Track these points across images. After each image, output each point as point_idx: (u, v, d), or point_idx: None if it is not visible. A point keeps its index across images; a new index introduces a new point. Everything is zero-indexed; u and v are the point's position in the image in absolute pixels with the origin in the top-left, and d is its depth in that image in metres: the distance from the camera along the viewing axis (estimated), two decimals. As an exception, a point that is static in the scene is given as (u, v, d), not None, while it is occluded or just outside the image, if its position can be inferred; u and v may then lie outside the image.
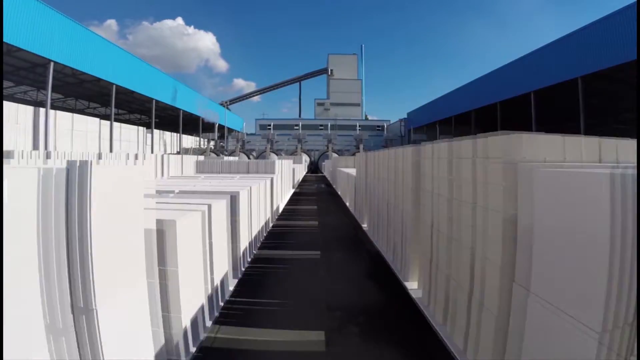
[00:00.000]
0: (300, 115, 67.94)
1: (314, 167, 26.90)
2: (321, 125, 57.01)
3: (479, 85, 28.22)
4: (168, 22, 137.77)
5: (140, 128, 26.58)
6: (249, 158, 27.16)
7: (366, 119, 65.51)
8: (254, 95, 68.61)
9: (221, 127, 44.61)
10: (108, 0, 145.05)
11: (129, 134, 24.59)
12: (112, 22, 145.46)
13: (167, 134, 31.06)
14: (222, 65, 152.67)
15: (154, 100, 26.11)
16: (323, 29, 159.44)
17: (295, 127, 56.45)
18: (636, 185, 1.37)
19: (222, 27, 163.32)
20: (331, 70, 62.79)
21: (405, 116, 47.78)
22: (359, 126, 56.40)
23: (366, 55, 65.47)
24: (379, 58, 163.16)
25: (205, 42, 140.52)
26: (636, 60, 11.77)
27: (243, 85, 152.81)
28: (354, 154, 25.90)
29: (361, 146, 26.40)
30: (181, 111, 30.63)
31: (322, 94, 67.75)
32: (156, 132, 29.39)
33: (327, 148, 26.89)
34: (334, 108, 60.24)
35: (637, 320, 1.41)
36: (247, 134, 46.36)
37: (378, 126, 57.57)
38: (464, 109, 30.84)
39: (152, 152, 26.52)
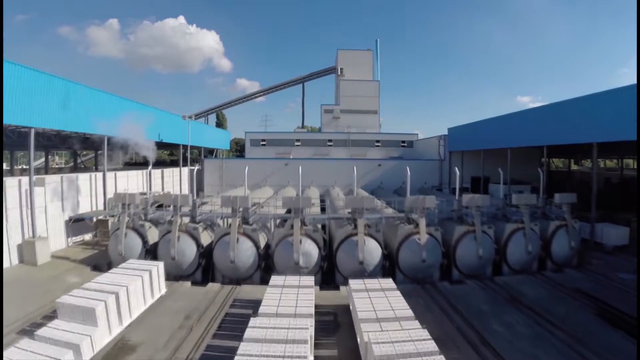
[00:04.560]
0: (302, 124, 55.49)
1: (328, 258, 13.31)
2: (330, 141, 44.79)
3: (615, 103, 15.62)
4: (169, 21, 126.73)
5: (17, 179, 14.49)
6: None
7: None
8: (253, 98, 55.70)
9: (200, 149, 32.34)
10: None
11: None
12: (113, 22, 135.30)
13: (82, 176, 18.55)
14: (225, 64, 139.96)
15: (32, 130, 13.93)
16: (333, 27, 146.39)
17: (297, 144, 44.25)
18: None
19: (226, 25, 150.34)
20: (341, 69, 49.95)
21: (436, 131, 35.00)
22: (379, 142, 44.24)
23: (380, 53, 52.70)
24: (389, 57, 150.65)
25: (208, 41, 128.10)
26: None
27: (247, 85, 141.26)
28: (413, 231, 13.08)
29: (422, 221, 13.80)
30: (105, 137, 18.46)
31: (330, 98, 55.54)
32: (54, 178, 16.87)
33: (354, 225, 13.11)
34: (345, 117, 47.67)
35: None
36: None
37: (403, 141, 45.11)
38: (578, 139, 18.27)
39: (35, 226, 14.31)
